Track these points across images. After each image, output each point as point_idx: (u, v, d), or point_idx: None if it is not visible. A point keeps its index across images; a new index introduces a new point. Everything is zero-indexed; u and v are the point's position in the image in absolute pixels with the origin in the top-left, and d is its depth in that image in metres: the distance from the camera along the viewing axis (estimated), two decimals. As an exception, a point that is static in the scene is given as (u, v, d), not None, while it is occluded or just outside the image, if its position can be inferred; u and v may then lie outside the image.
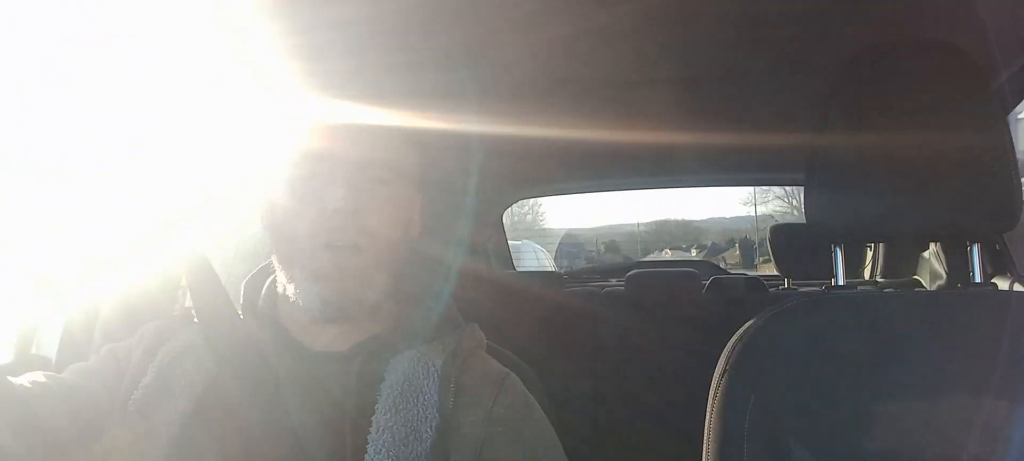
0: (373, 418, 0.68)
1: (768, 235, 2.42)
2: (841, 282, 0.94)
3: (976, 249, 0.90)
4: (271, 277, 0.79)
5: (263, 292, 0.80)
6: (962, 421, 0.79)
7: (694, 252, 6.15)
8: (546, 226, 6.49)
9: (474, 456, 0.69)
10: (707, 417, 0.88)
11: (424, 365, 0.72)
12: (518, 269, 2.93)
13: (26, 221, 0.96)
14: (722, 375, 0.88)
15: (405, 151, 0.76)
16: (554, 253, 5.89)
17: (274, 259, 0.77)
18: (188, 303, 0.80)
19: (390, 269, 0.74)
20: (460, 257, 0.83)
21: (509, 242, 2.80)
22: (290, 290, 0.73)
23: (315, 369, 0.73)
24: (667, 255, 5.58)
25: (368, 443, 0.67)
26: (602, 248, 6.03)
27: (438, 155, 0.82)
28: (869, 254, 2.22)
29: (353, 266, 0.70)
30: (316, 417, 0.70)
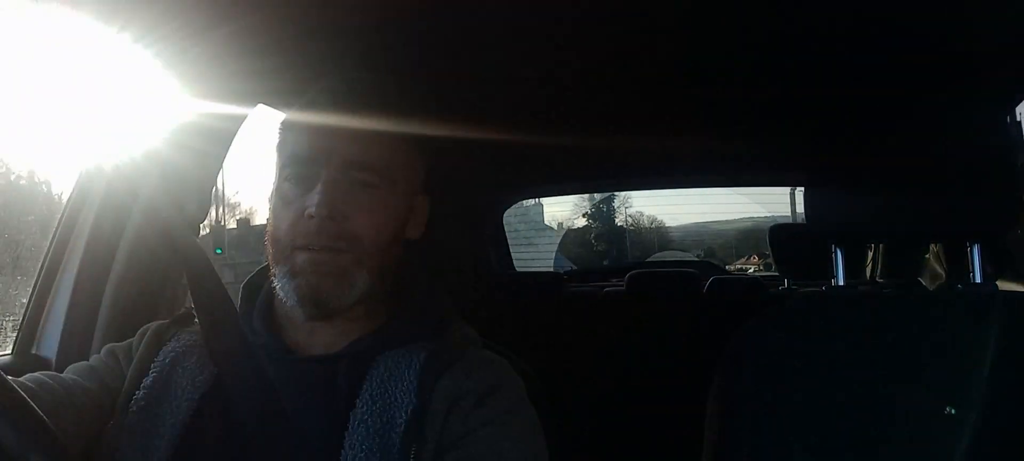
0: (352, 412, 0.68)
1: (768, 235, 2.41)
2: (841, 282, 0.95)
3: (976, 249, 0.90)
4: (270, 279, 0.80)
5: (261, 294, 0.80)
6: (961, 418, 0.79)
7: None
8: (670, 224, 6.08)
9: (440, 428, 0.69)
10: (707, 416, 0.88)
11: (407, 358, 0.72)
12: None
13: (28, 221, 0.96)
14: (722, 375, 0.89)
15: (400, 154, 0.76)
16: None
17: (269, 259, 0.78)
18: (189, 303, 0.80)
19: (375, 269, 0.74)
20: (456, 257, 0.83)
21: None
22: (277, 288, 0.73)
23: (306, 371, 0.74)
24: (755, 262, 5.30)
25: (345, 437, 0.67)
26: (701, 254, 5.62)
27: (437, 157, 0.82)
28: (869, 254, 2.22)
29: (329, 265, 0.71)
30: (308, 419, 0.70)
